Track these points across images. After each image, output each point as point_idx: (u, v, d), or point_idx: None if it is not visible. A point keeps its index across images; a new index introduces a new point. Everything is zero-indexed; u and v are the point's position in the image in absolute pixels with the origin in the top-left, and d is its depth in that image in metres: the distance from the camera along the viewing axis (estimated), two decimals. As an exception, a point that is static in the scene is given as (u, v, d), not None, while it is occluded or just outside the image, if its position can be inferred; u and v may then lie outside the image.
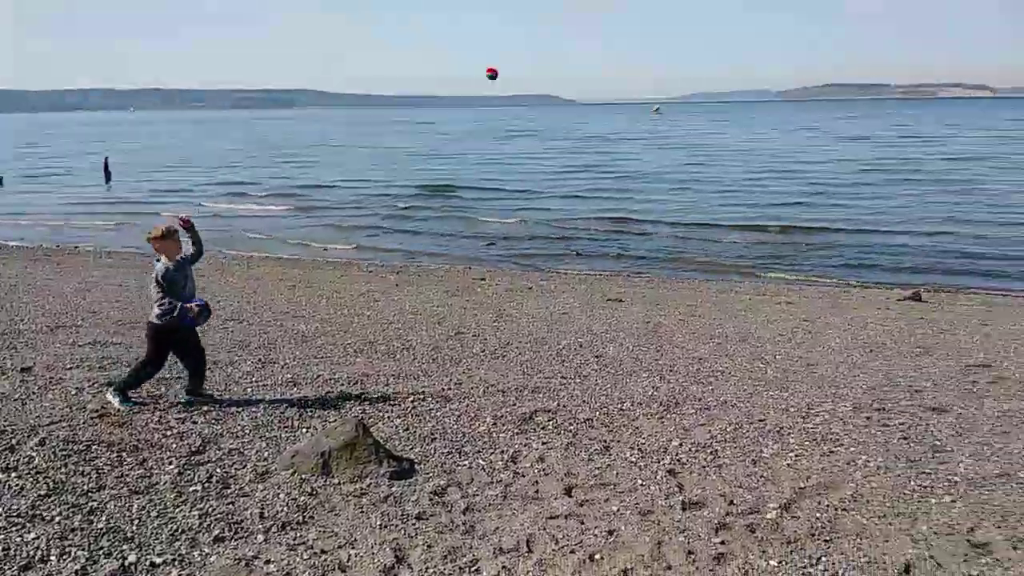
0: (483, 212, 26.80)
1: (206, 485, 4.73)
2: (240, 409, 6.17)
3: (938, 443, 5.88)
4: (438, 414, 6.29)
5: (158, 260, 5.90)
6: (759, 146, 59.49)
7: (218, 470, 4.96)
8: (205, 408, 6.11)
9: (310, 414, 6.16)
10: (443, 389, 7.00)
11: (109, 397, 6.10)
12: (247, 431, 5.71)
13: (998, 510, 4.71)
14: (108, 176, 40.63)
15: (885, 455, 5.60)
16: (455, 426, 6.02)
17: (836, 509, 4.69)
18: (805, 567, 3.97)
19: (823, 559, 4.06)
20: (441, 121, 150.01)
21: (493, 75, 15.01)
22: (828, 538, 4.31)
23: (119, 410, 5.96)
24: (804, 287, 15.31)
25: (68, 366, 7.27)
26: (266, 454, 5.28)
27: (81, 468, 4.83)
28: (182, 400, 6.26)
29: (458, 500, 4.70)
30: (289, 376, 7.24)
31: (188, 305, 5.80)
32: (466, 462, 5.31)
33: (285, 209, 28.85)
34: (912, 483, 5.10)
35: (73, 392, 6.42)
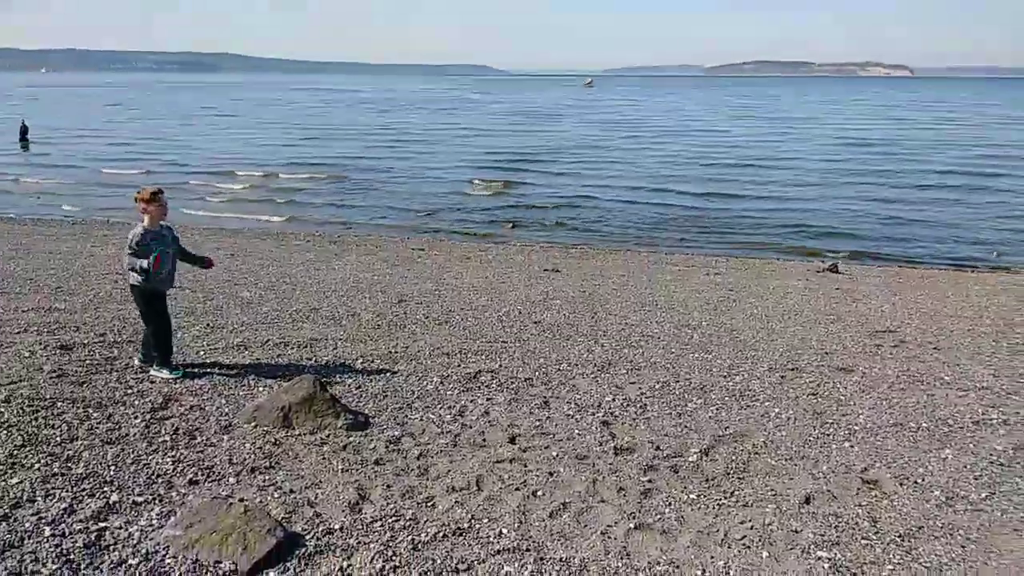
0: (422, 183, 26.92)
1: (174, 437, 5.02)
2: (195, 370, 6.41)
3: (843, 398, 6.56)
4: (387, 374, 6.65)
5: (139, 224, 6.02)
6: (687, 121, 60.72)
7: (183, 424, 5.25)
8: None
9: (265, 375, 6.45)
10: (390, 352, 7.36)
11: (156, 374, 6.21)
12: (206, 389, 5.98)
13: (890, 453, 5.38)
14: (26, 142, 39.01)
15: (795, 408, 6.24)
16: (404, 385, 6.40)
17: (749, 453, 5.28)
18: (720, 499, 4.54)
19: (735, 493, 4.64)
20: (368, 90, 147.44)
21: None
22: (741, 476, 4.90)
23: (171, 379, 6.12)
24: (731, 259, 16.09)
25: (16, 331, 7.35)
26: (227, 410, 5.58)
27: (51, 422, 5.06)
28: (138, 363, 6.46)
29: (412, 448, 5.11)
30: (239, 340, 7.48)
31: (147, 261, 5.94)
32: (417, 416, 5.72)
33: (216, 179, 28.35)
34: (816, 431, 5.74)
35: (27, 355, 6.55)
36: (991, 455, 5.36)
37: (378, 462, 4.86)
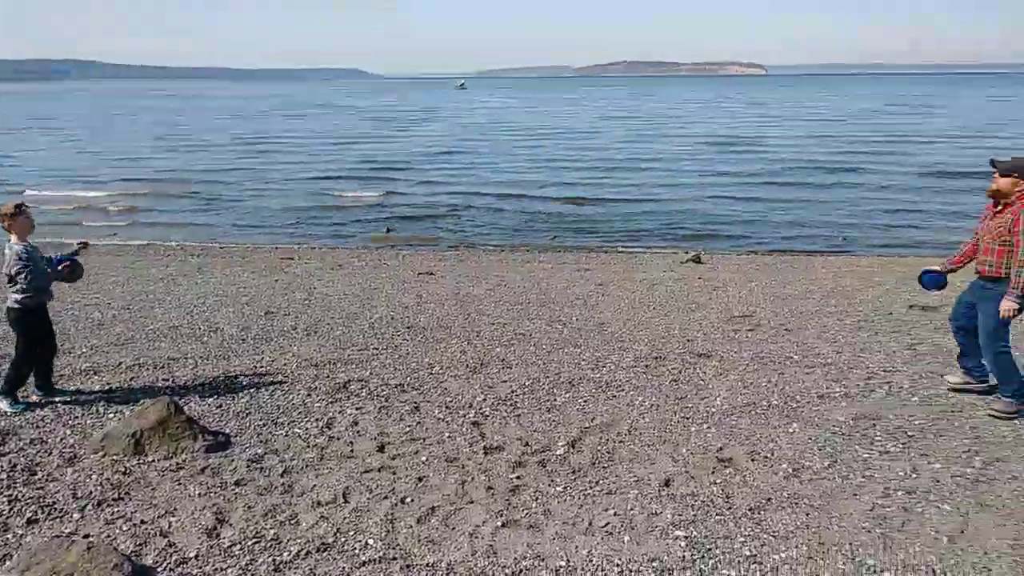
0: (291, 191, 26.20)
1: (11, 474, 4.66)
2: (37, 401, 5.98)
3: (702, 383, 6.86)
4: (251, 390, 6.43)
5: (9, 241, 5.76)
6: (558, 121, 61.99)
7: (22, 459, 4.88)
8: (-3, 402, 5.87)
9: (117, 400, 6.09)
10: (255, 367, 7.12)
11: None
12: (48, 421, 5.59)
13: (743, 432, 5.68)
14: None
15: (658, 395, 6.48)
16: (269, 400, 6.21)
17: (614, 442, 5.44)
18: (585, 488, 4.66)
19: (600, 481, 4.77)
20: (229, 96, 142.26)
21: None
22: (606, 465, 5.04)
23: (9, 413, 5.70)
24: (600, 254, 16.54)
25: None
26: (71, 441, 5.23)
27: None
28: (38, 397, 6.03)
29: (275, 465, 4.96)
30: (87, 365, 7.04)
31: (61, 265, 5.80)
32: (282, 432, 5.56)
33: (63, 194, 26.49)
34: (677, 416, 5.99)
35: None
36: (834, 426, 5.75)
37: (239, 483, 4.68)
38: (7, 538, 3.92)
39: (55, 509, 4.26)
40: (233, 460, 5.01)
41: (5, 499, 4.33)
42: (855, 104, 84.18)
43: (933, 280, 6.47)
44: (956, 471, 4.97)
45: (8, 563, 3.65)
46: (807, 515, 4.41)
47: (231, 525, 4.15)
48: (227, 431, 5.50)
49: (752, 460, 5.17)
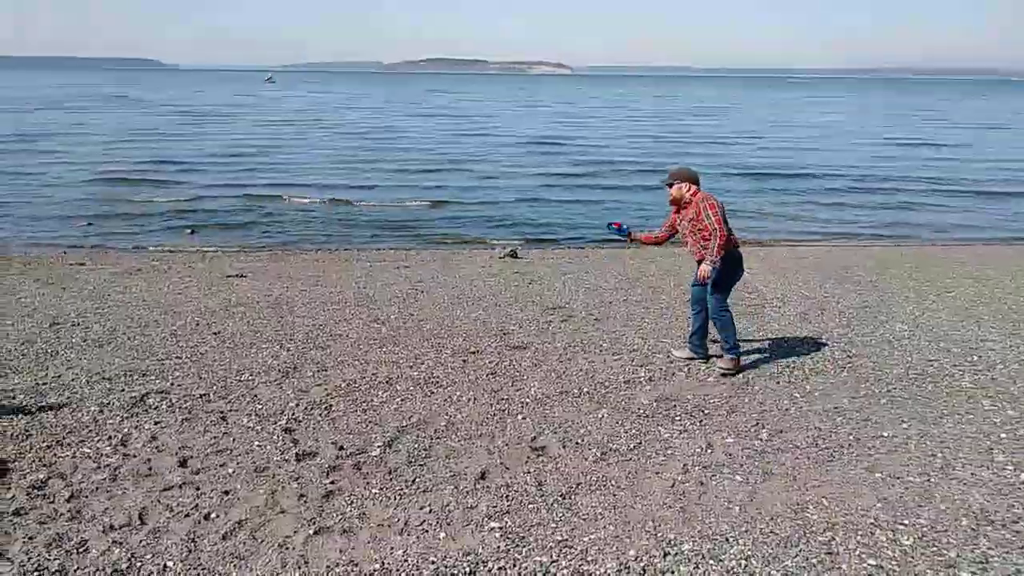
0: (80, 191, 23.97)
1: None
2: None
3: (517, 374, 7.04)
4: (33, 410, 5.83)
5: None
6: (370, 118, 61.15)
7: None
8: None
9: None
10: (37, 385, 6.46)
11: None
12: None
13: (556, 420, 5.89)
14: None
15: (475, 389, 6.58)
16: (54, 420, 5.66)
17: (431, 439, 5.47)
18: (401, 488, 4.65)
19: (417, 480, 4.77)
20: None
21: None
22: (423, 463, 5.05)
23: None
24: (420, 252, 16.51)
25: None
26: None
27: None
28: None
29: (61, 490, 4.53)
30: None
31: None
32: (68, 453, 5.09)
33: None
34: (494, 408, 6.11)
35: None
36: (638, 409, 6.11)
37: (17, 512, 4.24)
38: None
39: None
40: (11, 488, 4.52)
41: None
42: (661, 106, 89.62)
43: (616, 231, 7.41)
44: (746, 444, 5.44)
45: None
46: (614, 496, 4.65)
47: (9, 560, 3.74)
48: (2, 457, 4.95)
49: (564, 447, 5.38)
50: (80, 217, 20.05)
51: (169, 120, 55.49)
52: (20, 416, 5.70)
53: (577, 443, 5.43)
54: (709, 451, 5.35)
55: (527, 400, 6.32)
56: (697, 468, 5.07)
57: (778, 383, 6.77)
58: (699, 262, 6.83)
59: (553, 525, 4.27)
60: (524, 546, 4.07)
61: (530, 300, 10.58)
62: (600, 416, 5.96)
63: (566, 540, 4.15)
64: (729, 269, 6.86)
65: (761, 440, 5.53)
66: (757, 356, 7.53)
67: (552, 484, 4.76)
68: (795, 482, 4.86)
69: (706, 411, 6.09)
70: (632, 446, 5.41)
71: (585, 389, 6.60)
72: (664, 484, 4.82)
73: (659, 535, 4.21)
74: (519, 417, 5.95)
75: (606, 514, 4.44)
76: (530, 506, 4.47)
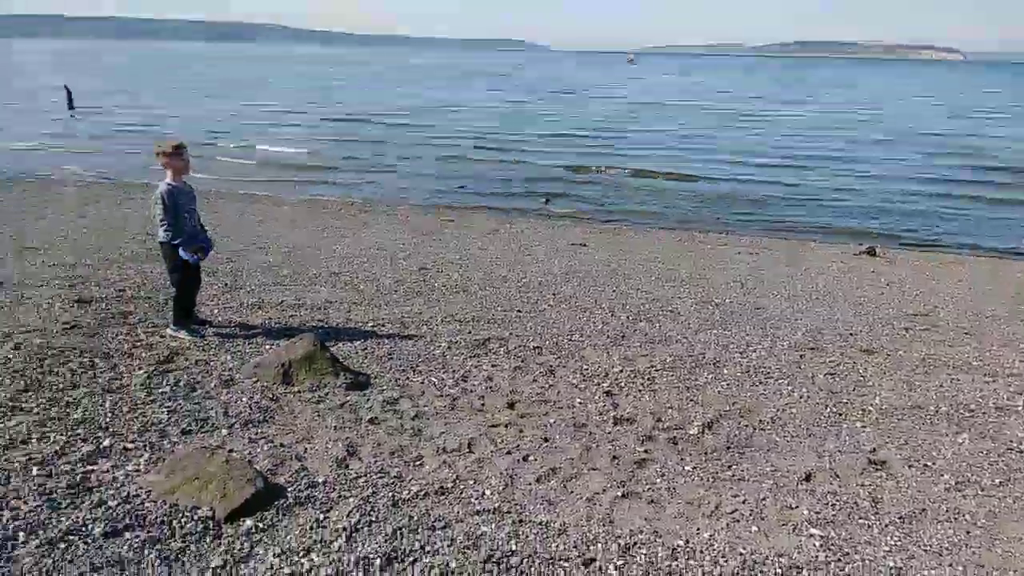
0: (462, 155, 26.78)
1: (174, 388, 5.07)
2: (207, 327, 6.47)
3: (861, 379, 6.35)
4: (396, 338, 6.63)
5: (164, 180, 5.96)
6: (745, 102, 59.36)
7: (185, 376, 5.30)
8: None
9: (274, 334, 6.47)
10: (402, 317, 7.33)
11: (173, 334, 6.13)
12: (213, 346, 6.02)
13: (902, 435, 5.20)
14: (71, 104, 39.70)
15: (809, 387, 6.06)
16: (411, 348, 6.37)
17: (754, 428, 5.14)
18: (716, 471, 4.43)
19: (733, 467, 4.52)
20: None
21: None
22: (741, 451, 4.77)
23: (188, 342, 6.00)
24: (767, 239, 15.74)
25: (37, 284, 7.49)
26: (231, 365, 5.61)
27: (56, 370, 5.15)
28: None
29: (408, 409, 5.08)
30: (253, 300, 7.52)
31: (188, 252, 5.94)
32: (419, 379, 5.68)
33: (256, 150, 28.47)
34: (828, 410, 5.57)
35: (44, 306, 6.67)
36: (1010, 442, 5.15)
37: (372, 421, 4.84)
38: (163, 444, 4.26)
39: (207, 424, 4.58)
40: (370, 400, 5.18)
41: (166, 410, 4.71)
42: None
43: None
44: None
45: (159, 465, 3.96)
46: (967, 533, 3.97)
47: (360, 459, 4.29)
48: (368, 372, 5.70)
49: (909, 466, 4.72)
50: (457, 180, 22.40)
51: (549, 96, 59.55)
52: (386, 341, 6.51)
53: (926, 465, 4.73)
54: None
55: (869, 408, 5.66)
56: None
57: None
58: None
59: (886, 548, 3.75)
60: (848, 563, 3.63)
61: (884, 302, 9.52)
62: (960, 441, 5.12)
63: (900, 569, 3.62)
64: None
65: None
66: None
67: (890, 504, 4.19)
68: None
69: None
70: (998, 482, 4.56)
71: (943, 408, 5.72)
72: (1036, 532, 3.99)
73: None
74: (857, 424, 5.35)
75: (954, 551, 3.79)
76: (860, 521, 3.99)
